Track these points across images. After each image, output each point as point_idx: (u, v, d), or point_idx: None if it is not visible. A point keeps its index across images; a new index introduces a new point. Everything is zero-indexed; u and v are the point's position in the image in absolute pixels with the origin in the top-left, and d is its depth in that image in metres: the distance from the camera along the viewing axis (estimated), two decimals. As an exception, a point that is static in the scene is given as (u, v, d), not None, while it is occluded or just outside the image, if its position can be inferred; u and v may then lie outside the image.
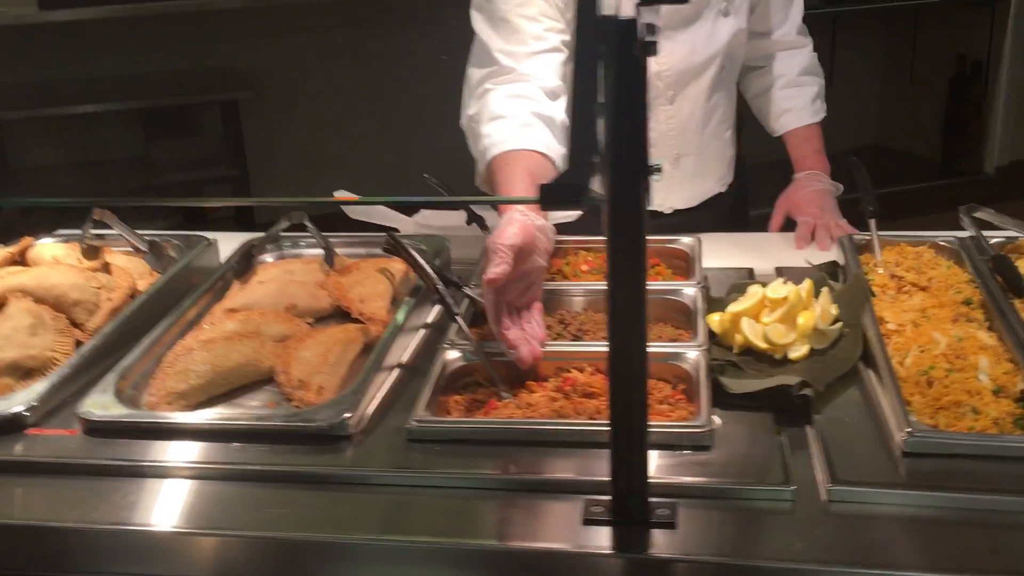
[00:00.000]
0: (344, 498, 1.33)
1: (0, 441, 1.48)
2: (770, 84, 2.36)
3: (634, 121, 1.07)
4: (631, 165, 1.09)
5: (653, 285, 1.76)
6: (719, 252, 2.15)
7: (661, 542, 1.21)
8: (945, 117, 5.47)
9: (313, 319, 1.81)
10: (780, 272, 1.96)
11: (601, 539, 1.21)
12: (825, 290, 1.67)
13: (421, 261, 1.65)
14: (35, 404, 1.53)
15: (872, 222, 1.91)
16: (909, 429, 1.33)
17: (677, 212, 2.30)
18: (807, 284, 1.67)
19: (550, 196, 0.93)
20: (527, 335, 1.57)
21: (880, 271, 1.82)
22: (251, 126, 5.08)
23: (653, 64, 2.12)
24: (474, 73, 2.02)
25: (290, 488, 1.36)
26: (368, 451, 1.42)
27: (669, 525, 1.22)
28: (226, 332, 1.67)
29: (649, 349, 1.56)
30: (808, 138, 2.32)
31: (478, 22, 2.03)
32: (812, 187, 2.24)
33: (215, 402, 1.59)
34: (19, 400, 1.53)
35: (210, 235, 2.11)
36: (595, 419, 1.44)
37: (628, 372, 1.18)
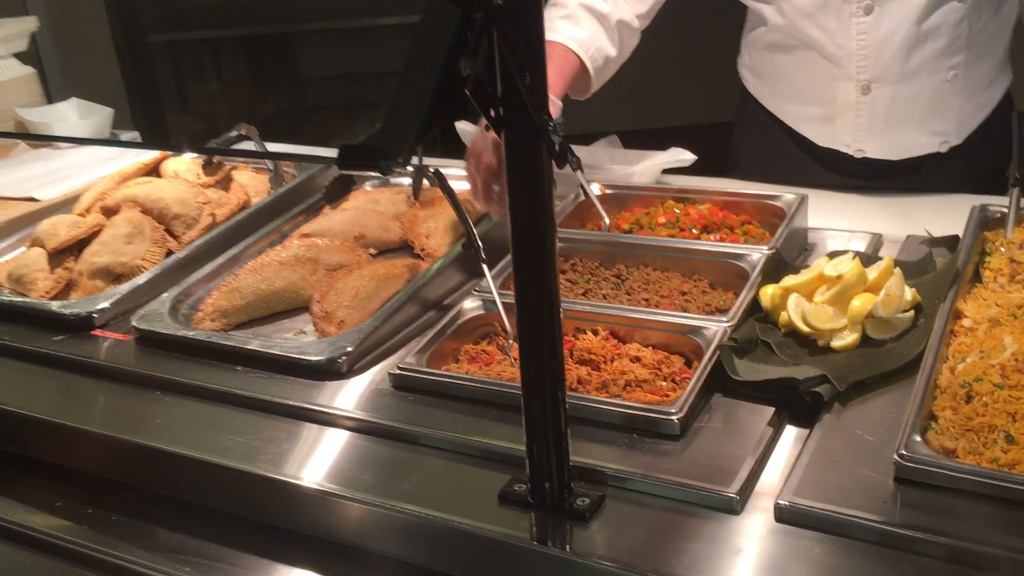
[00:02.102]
0: (305, 434, 1.35)
1: (70, 337, 1.64)
2: None
3: (522, 74, 0.95)
4: (521, 125, 0.98)
5: (715, 247, 1.61)
6: (855, 212, 1.91)
7: (563, 534, 1.12)
8: None
9: (377, 250, 1.82)
10: (909, 240, 1.72)
11: (504, 518, 1.14)
12: (898, 272, 1.42)
13: (456, 200, 1.60)
14: (106, 307, 1.68)
15: (1015, 191, 1.59)
16: (903, 451, 1.12)
17: (877, 167, 2.01)
18: (884, 262, 1.44)
19: (346, 155, 0.85)
20: None
21: (1002, 251, 1.52)
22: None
23: None
24: None
25: (267, 418, 1.39)
26: (353, 392, 1.42)
27: (581, 517, 1.13)
28: (283, 257, 1.73)
29: (666, 319, 1.45)
30: None
31: None
32: None
33: (255, 324, 1.66)
34: (94, 302, 1.69)
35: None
36: (574, 389, 1.34)
37: (538, 342, 1.08)
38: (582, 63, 1.82)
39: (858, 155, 2.03)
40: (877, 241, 1.73)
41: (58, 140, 2.24)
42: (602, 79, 1.90)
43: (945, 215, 1.77)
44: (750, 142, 2.24)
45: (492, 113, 1.00)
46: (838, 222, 1.81)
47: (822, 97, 2.02)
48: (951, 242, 1.60)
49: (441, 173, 1.65)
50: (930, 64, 1.92)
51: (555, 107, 1.73)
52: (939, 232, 1.67)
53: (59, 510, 1.39)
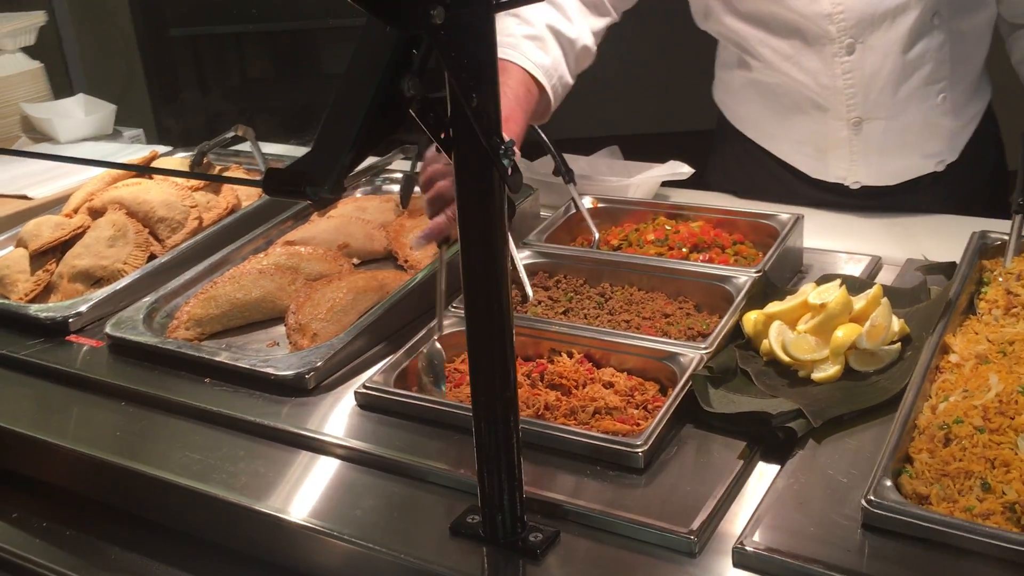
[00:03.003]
0: (263, 453, 1.31)
1: (45, 341, 1.62)
2: None
3: (468, 96, 0.91)
4: (471, 149, 0.94)
5: (701, 268, 1.56)
6: (855, 233, 1.84)
7: (513, 572, 1.07)
8: None
9: (361, 260, 1.79)
10: (908, 264, 1.65)
11: (453, 553, 1.10)
12: (885, 302, 1.36)
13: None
14: (82, 311, 1.65)
15: (1017, 218, 1.51)
16: (872, 496, 1.07)
17: (873, 190, 1.93)
18: (872, 291, 1.38)
19: (270, 181, 0.82)
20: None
21: (1000, 281, 1.45)
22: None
23: (825, 4, 1.80)
24: None
25: (227, 434, 1.36)
26: (317, 410, 1.38)
27: (532, 554, 1.08)
28: (263, 265, 1.69)
29: (642, 343, 1.40)
30: None
31: None
32: None
33: (231, 333, 1.63)
34: (71, 306, 1.67)
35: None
36: (541, 415, 1.30)
37: (489, 374, 1.04)
38: (544, 90, 1.73)
39: (855, 186, 1.95)
40: (875, 264, 1.67)
41: (37, 157, 2.21)
42: (556, 106, 1.83)
43: (947, 237, 1.70)
44: (736, 162, 2.12)
45: (442, 135, 0.96)
46: (836, 243, 1.75)
47: (811, 135, 1.94)
48: (948, 269, 1.53)
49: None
50: (919, 92, 1.85)
51: (514, 134, 1.66)
52: (940, 255, 1.60)
53: (15, 522, 1.36)
